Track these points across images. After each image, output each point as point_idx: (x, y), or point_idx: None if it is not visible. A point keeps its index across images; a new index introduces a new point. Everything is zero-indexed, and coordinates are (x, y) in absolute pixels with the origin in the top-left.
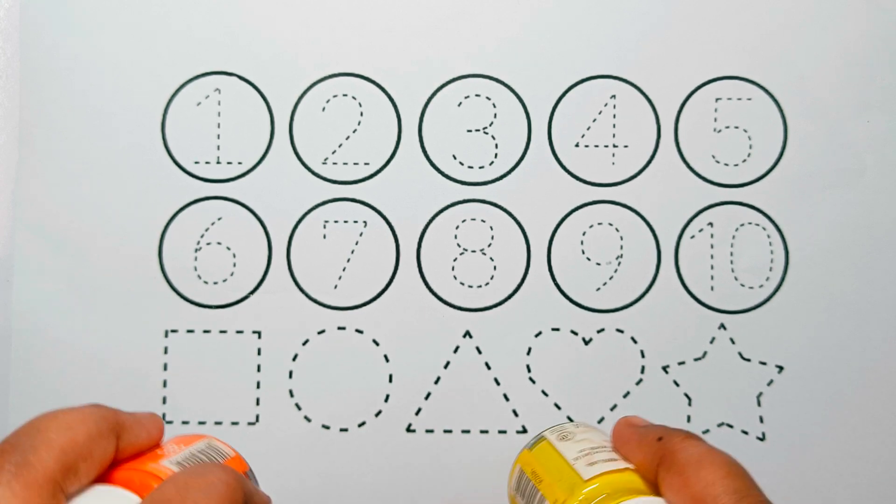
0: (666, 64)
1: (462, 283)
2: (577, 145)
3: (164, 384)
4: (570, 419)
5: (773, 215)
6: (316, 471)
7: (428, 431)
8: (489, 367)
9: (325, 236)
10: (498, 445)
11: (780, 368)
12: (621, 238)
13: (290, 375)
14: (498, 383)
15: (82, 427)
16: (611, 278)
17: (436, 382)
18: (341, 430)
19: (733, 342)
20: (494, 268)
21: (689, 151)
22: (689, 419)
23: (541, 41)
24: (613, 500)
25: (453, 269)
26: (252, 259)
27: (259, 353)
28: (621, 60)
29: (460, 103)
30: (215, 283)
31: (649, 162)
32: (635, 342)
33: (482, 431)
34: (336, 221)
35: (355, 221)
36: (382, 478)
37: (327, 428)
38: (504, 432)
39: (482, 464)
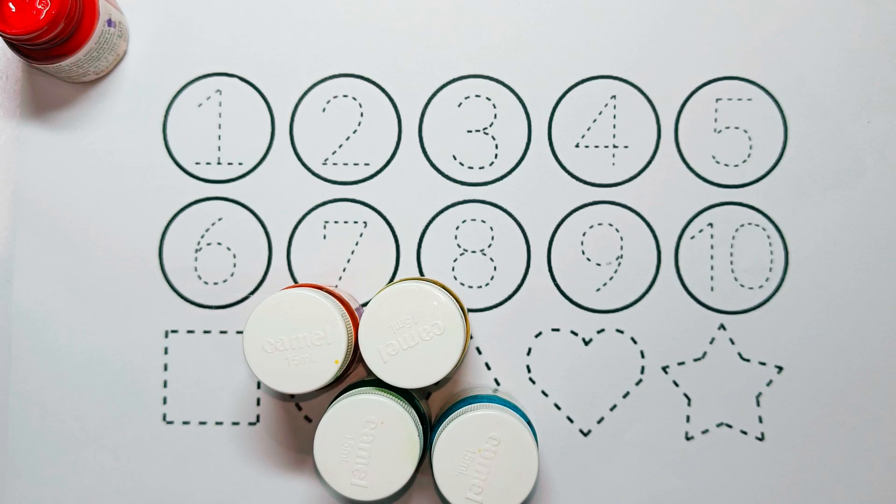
0: (666, 64)
1: (462, 283)
2: (577, 145)
3: (165, 384)
4: (569, 420)
5: (773, 215)
6: (316, 470)
7: None
8: (489, 368)
9: (325, 237)
10: None
11: (780, 368)
12: (621, 238)
13: None
14: (498, 383)
15: None
16: (611, 279)
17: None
18: None
19: (733, 342)
20: (494, 268)
21: (689, 152)
22: (688, 419)
23: (541, 41)
24: None
25: (453, 269)
26: (252, 259)
27: None
28: (621, 60)
29: (460, 103)
30: (215, 283)
31: (649, 162)
32: (635, 342)
33: None
34: (336, 222)
35: (355, 222)
36: None
37: None
38: None
39: None
